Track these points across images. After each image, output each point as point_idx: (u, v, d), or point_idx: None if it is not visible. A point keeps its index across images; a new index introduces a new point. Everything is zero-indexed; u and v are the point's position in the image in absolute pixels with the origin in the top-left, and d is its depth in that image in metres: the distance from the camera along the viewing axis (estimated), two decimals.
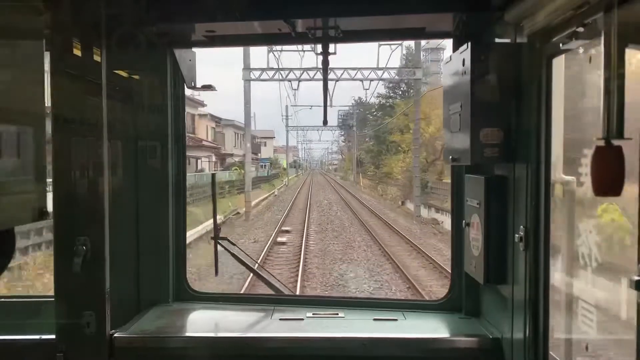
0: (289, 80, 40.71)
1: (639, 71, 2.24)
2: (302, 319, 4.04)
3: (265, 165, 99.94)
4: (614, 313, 2.59)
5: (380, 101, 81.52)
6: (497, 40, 3.43)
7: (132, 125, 4.29)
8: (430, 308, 4.31)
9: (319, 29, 4.03)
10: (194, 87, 4.65)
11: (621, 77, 2.03)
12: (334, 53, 4.26)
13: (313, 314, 4.12)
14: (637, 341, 2.06)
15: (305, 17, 3.92)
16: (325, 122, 4.77)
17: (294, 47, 37.23)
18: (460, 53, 3.42)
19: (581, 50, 2.65)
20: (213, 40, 4.32)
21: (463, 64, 3.37)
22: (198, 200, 33.41)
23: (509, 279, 3.31)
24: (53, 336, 3.59)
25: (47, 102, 3.34)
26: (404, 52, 63.29)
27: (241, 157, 47.27)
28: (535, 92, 2.96)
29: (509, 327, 3.32)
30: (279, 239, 27.72)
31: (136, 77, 4.41)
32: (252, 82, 39.11)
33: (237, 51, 40.78)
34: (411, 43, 50.73)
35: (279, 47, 36.84)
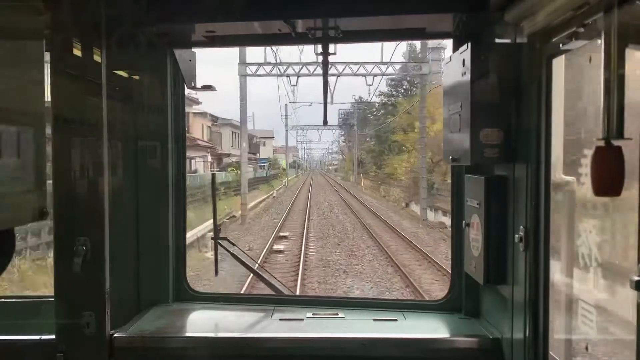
0: (287, 76, 38.42)
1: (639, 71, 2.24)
2: (302, 319, 4.04)
3: (264, 166, 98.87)
4: (614, 313, 2.59)
5: (382, 100, 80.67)
6: (497, 40, 3.43)
7: (132, 125, 4.29)
8: (430, 308, 4.30)
9: (319, 29, 4.03)
10: (194, 87, 4.65)
11: (621, 77, 2.04)
12: (334, 53, 4.27)
13: (313, 314, 4.12)
14: (637, 341, 2.06)
15: (305, 18, 3.92)
16: (325, 122, 4.77)
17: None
18: (460, 53, 3.42)
19: (581, 50, 2.65)
20: (213, 41, 4.32)
21: (463, 64, 3.37)
22: (190, 203, 32.35)
23: (508, 279, 3.31)
24: (53, 336, 3.59)
25: (47, 102, 3.35)
26: (406, 49, 62.46)
27: (239, 157, 45.11)
28: (535, 93, 2.96)
29: (509, 327, 3.32)
30: (276, 247, 25.70)
31: (136, 77, 4.41)
32: (249, 78, 37.66)
33: (237, 51, 38.98)
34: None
35: None
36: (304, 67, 37.03)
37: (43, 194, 2.90)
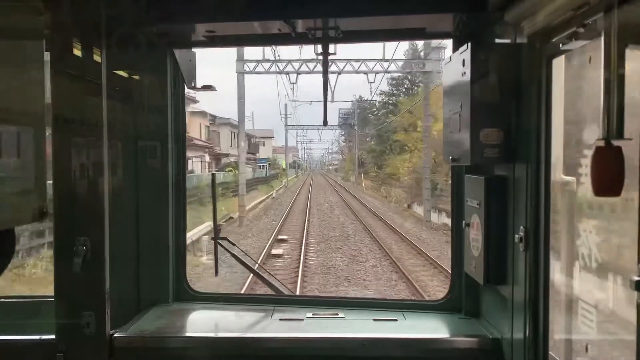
0: (287, 74, 36.99)
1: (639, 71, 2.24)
2: (302, 319, 4.04)
3: (263, 166, 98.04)
4: (614, 313, 2.59)
5: (382, 99, 79.90)
6: (497, 40, 3.43)
7: (132, 125, 4.29)
8: (430, 308, 4.30)
9: (319, 29, 4.03)
10: (194, 88, 4.65)
11: (621, 77, 2.04)
12: (334, 53, 4.27)
13: (313, 314, 4.12)
14: (637, 341, 2.06)
15: (305, 18, 3.92)
16: (325, 122, 4.76)
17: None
18: (460, 53, 3.42)
19: (581, 50, 2.65)
20: (213, 41, 4.32)
21: (463, 65, 3.37)
22: None
23: (508, 279, 3.31)
24: (53, 336, 3.59)
25: (48, 102, 3.35)
26: (409, 46, 61.52)
27: (237, 158, 43.42)
28: (535, 93, 2.96)
29: (509, 327, 3.32)
30: (274, 251, 24.27)
31: (136, 77, 4.41)
32: (248, 78, 36.67)
33: (236, 50, 38.07)
34: None
35: None
36: (304, 64, 35.91)
37: (43, 194, 2.90)
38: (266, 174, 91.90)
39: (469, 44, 3.32)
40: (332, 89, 34.03)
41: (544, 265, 2.95)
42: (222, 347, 3.80)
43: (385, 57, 36.15)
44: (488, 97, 3.26)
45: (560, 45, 2.71)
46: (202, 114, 63.65)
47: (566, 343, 3.05)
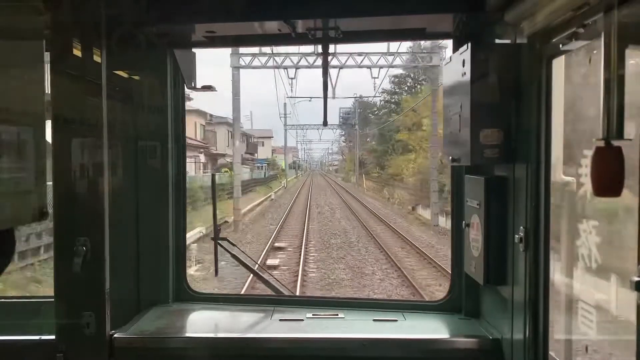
0: (285, 68, 34.62)
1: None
2: (302, 320, 4.04)
3: (262, 167, 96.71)
4: (614, 314, 2.59)
5: (385, 97, 78.45)
6: (497, 41, 3.43)
7: (132, 125, 4.29)
8: (430, 309, 4.30)
9: (319, 30, 4.03)
10: (194, 88, 4.65)
11: (621, 77, 2.04)
12: (334, 53, 4.27)
13: (313, 315, 4.12)
14: (637, 342, 2.06)
15: (305, 18, 3.92)
16: (325, 122, 4.76)
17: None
18: (460, 54, 3.42)
19: (581, 51, 2.65)
20: (213, 41, 4.32)
21: (463, 65, 3.37)
22: None
23: (508, 279, 3.31)
24: (53, 336, 3.59)
25: (48, 102, 3.35)
26: (413, 42, 60.09)
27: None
28: (535, 93, 2.96)
29: (509, 327, 3.32)
30: (269, 262, 21.67)
31: (136, 77, 4.41)
32: (247, 77, 36.02)
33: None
34: None
35: None
36: (303, 58, 33.13)
37: (43, 194, 2.90)
38: (265, 175, 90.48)
39: (469, 44, 3.32)
40: (334, 84, 32.48)
41: (544, 266, 2.95)
42: (222, 348, 3.80)
43: (390, 51, 33.91)
44: (488, 98, 3.26)
45: (560, 45, 2.72)
46: (197, 112, 61.08)
47: (566, 343, 3.05)
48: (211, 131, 69.95)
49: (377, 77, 35.80)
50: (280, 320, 4.07)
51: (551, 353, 2.97)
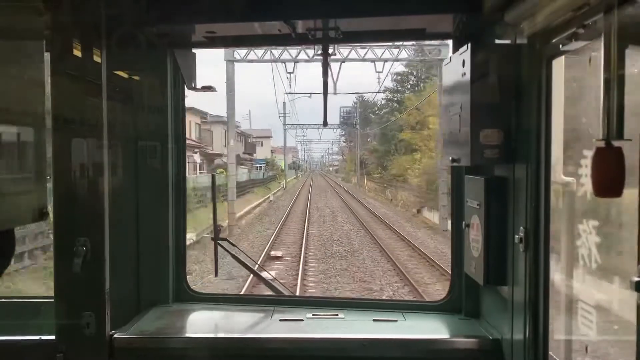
0: (283, 62, 32.72)
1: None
2: (302, 320, 4.04)
3: (260, 167, 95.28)
4: (614, 314, 2.59)
5: (387, 95, 77.64)
6: (497, 41, 3.43)
7: (132, 125, 4.29)
8: (430, 309, 4.30)
9: (319, 30, 4.03)
10: (194, 88, 4.65)
11: (621, 78, 2.04)
12: (334, 54, 4.27)
13: (313, 315, 4.12)
14: (637, 342, 2.06)
15: (305, 18, 3.92)
16: (325, 123, 4.76)
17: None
18: (460, 54, 3.42)
19: (581, 51, 2.65)
20: (213, 41, 4.33)
21: (463, 65, 3.37)
22: None
23: (508, 280, 3.31)
24: (53, 337, 3.59)
25: (48, 102, 3.35)
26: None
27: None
28: (535, 93, 2.96)
29: (509, 328, 3.32)
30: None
31: (136, 77, 4.41)
32: (246, 76, 35.04)
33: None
34: None
35: None
36: (302, 51, 31.33)
37: (43, 194, 2.90)
38: (263, 176, 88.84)
39: (469, 44, 3.32)
40: (335, 79, 30.96)
41: (544, 266, 2.95)
42: (222, 348, 3.80)
43: (392, 50, 32.44)
44: (488, 98, 3.26)
45: (560, 46, 2.71)
46: (192, 110, 58.31)
47: (566, 343, 3.05)
48: (207, 130, 68.42)
49: (382, 72, 33.98)
50: (280, 320, 4.07)
51: (551, 353, 2.97)
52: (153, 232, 4.34)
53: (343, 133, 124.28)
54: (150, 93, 4.34)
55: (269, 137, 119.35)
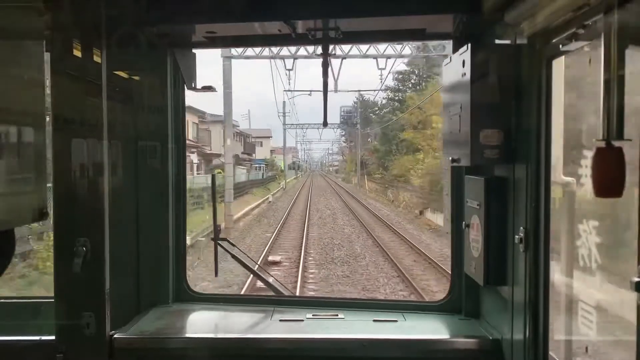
0: (282, 58, 31.74)
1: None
2: (302, 320, 4.04)
3: (260, 167, 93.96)
4: (614, 314, 2.59)
5: (388, 94, 76.49)
6: (497, 41, 3.43)
7: (132, 125, 4.29)
8: (430, 309, 4.30)
9: (319, 30, 4.03)
10: (194, 88, 4.65)
11: (621, 78, 2.04)
12: (334, 54, 4.26)
13: (313, 315, 4.12)
14: (637, 342, 2.06)
15: (305, 18, 3.92)
16: (325, 123, 4.76)
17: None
18: (460, 54, 3.42)
19: (581, 51, 2.65)
20: (213, 41, 4.33)
21: (463, 65, 3.37)
22: None
23: (508, 280, 3.31)
24: (53, 337, 3.59)
25: (48, 102, 3.35)
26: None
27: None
28: (535, 94, 2.96)
29: (509, 328, 3.32)
30: (259, 284, 15.70)
31: (136, 77, 4.41)
32: (246, 76, 34.36)
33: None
34: None
35: None
36: (302, 47, 29.79)
37: (43, 194, 2.90)
38: (263, 176, 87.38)
39: (469, 44, 3.32)
40: (336, 76, 30.75)
41: (544, 266, 2.95)
42: (222, 348, 3.80)
43: (394, 48, 31.14)
44: (488, 98, 3.26)
45: (560, 46, 2.72)
46: (190, 109, 55.22)
47: (566, 344, 3.05)
48: (205, 130, 67.11)
49: (384, 68, 33.62)
50: (280, 320, 4.07)
51: (551, 353, 2.97)
52: (153, 232, 4.34)
53: (343, 133, 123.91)
54: (150, 93, 4.34)
55: (268, 137, 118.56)
